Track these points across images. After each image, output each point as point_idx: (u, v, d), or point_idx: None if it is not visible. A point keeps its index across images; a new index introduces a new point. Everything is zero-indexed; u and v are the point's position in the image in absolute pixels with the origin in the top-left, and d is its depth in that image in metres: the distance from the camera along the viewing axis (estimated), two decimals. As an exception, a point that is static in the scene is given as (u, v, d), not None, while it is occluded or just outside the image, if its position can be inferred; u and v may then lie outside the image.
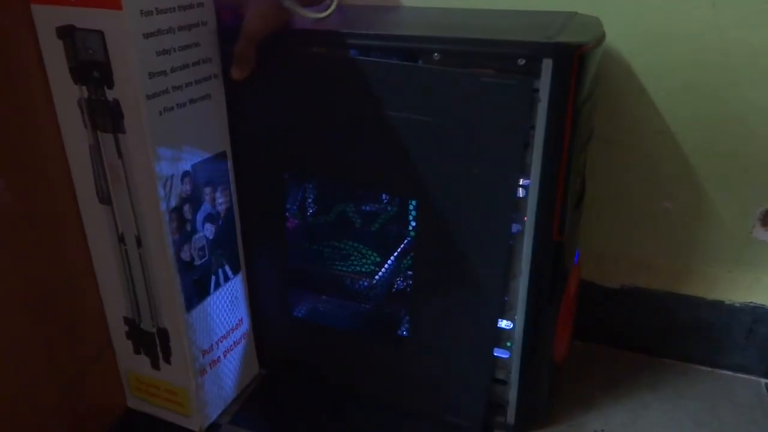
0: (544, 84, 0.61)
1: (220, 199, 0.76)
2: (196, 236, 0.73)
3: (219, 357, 0.81)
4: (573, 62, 0.60)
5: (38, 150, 0.67)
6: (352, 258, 0.88)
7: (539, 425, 0.81)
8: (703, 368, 0.92)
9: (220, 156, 0.75)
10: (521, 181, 0.67)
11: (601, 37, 0.71)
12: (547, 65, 0.60)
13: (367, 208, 0.93)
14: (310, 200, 0.96)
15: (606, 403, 0.85)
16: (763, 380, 0.89)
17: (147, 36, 0.61)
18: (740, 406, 0.85)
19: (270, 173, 0.77)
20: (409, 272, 0.94)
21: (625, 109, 0.85)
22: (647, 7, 0.80)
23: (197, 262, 0.74)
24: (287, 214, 0.83)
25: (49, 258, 0.70)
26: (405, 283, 0.94)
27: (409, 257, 0.90)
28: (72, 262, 0.74)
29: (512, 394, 0.77)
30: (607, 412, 0.84)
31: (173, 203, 0.69)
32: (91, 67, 0.63)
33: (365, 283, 0.86)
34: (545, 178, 0.65)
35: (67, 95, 0.66)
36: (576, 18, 0.76)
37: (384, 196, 0.88)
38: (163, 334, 0.75)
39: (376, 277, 0.87)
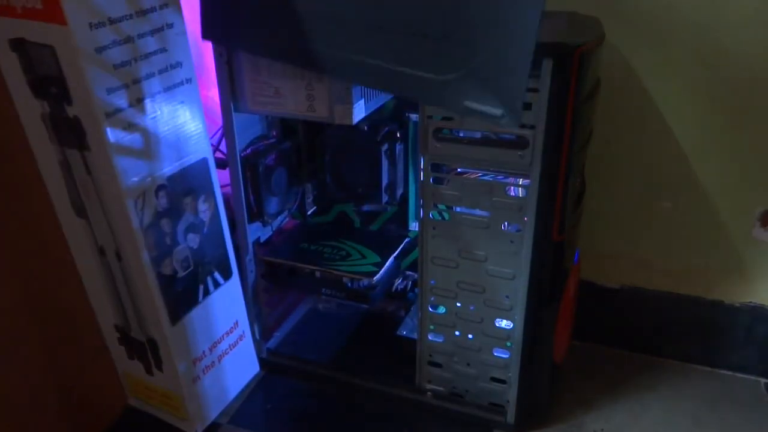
0: (543, 84, 0.61)
1: (203, 206, 0.73)
2: (178, 248, 0.70)
3: (214, 361, 0.80)
4: (573, 62, 0.60)
5: (10, 165, 0.64)
6: (352, 258, 0.88)
7: (539, 425, 0.81)
8: (703, 368, 0.92)
9: (201, 163, 0.71)
10: (521, 181, 0.67)
11: (601, 37, 0.71)
12: (547, 65, 0.60)
13: (367, 208, 0.93)
14: (309, 200, 0.96)
15: (606, 403, 0.85)
16: (763, 380, 0.89)
17: (100, 50, 0.56)
18: (740, 406, 0.85)
19: None
20: (408, 272, 0.94)
21: (625, 109, 0.85)
22: (646, 6, 0.80)
23: (181, 274, 0.71)
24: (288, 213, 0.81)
25: (47, 260, 0.70)
26: (405, 284, 0.94)
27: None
28: (60, 271, 0.73)
29: (512, 394, 0.77)
30: (607, 412, 0.84)
31: (148, 219, 0.65)
32: (47, 82, 0.58)
33: (365, 283, 0.86)
34: (545, 178, 0.65)
35: (30, 109, 0.61)
36: (576, 18, 0.76)
37: (385, 196, 0.87)
38: (153, 343, 0.74)
39: (376, 277, 0.87)
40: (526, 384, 0.76)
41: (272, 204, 0.86)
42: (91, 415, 0.79)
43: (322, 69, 0.66)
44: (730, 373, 0.91)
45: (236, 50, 0.72)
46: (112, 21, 0.57)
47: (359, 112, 0.72)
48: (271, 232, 0.91)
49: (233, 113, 0.75)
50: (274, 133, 0.87)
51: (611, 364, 0.93)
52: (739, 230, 0.86)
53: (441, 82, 0.60)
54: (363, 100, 0.72)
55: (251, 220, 0.83)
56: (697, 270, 0.90)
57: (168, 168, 0.66)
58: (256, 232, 0.86)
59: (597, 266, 0.93)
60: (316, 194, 0.96)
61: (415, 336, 0.82)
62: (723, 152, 0.83)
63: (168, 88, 0.65)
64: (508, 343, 0.75)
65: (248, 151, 0.82)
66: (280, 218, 0.91)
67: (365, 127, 0.83)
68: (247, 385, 0.88)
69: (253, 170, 0.81)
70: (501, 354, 0.76)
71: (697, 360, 0.92)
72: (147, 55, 0.61)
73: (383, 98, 0.77)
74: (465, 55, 0.59)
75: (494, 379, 0.78)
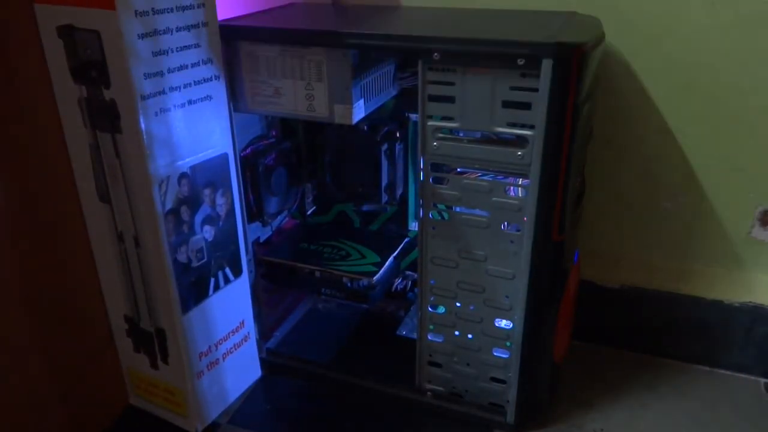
0: (543, 83, 0.61)
1: (221, 200, 0.75)
2: (194, 238, 0.73)
3: (218, 359, 0.81)
4: (573, 62, 0.60)
5: (41, 148, 0.68)
6: (352, 258, 0.88)
7: (539, 425, 0.81)
8: (703, 368, 0.92)
9: (222, 158, 0.74)
10: (521, 181, 0.67)
11: (601, 37, 0.70)
12: (547, 65, 0.60)
13: (367, 208, 0.93)
14: (309, 200, 0.96)
15: (606, 403, 0.85)
16: (763, 380, 0.89)
17: (142, 36, 0.61)
18: (740, 405, 0.85)
19: None
20: (408, 272, 0.94)
21: (625, 109, 0.85)
22: (647, 6, 0.80)
23: (194, 264, 0.74)
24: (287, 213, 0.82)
25: (49, 256, 0.70)
26: (405, 283, 0.94)
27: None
28: (73, 261, 0.74)
29: (512, 394, 0.77)
30: (607, 412, 0.84)
31: (169, 205, 0.68)
32: (89, 66, 0.63)
33: (365, 283, 0.86)
34: (545, 178, 0.65)
35: (68, 94, 0.66)
36: (576, 18, 0.76)
37: (385, 196, 0.87)
38: (161, 334, 0.75)
39: (376, 277, 0.87)
40: (525, 384, 0.76)
41: (272, 204, 0.86)
42: (91, 414, 0.80)
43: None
44: (730, 373, 0.91)
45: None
46: (155, 11, 0.62)
47: (359, 112, 0.72)
48: (270, 232, 0.91)
49: (232, 113, 0.75)
50: (274, 133, 0.87)
51: (611, 364, 0.93)
52: (739, 230, 0.87)
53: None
54: (363, 100, 0.72)
55: (251, 220, 0.83)
56: (697, 270, 0.90)
57: (191, 158, 0.70)
58: (255, 231, 0.86)
59: (597, 266, 0.93)
60: (315, 194, 0.96)
61: (414, 336, 0.82)
62: (723, 152, 0.83)
63: (198, 82, 0.69)
64: (508, 343, 0.75)
65: (248, 150, 0.82)
66: (279, 218, 0.91)
67: (365, 127, 0.83)
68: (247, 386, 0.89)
69: (253, 170, 0.81)
70: (501, 354, 0.76)
71: (697, 360, 0.92)
72: (182, 48, 0.66)
73: (383, 98, 0.78)
74: None
75: (494, 379, 0.78)
